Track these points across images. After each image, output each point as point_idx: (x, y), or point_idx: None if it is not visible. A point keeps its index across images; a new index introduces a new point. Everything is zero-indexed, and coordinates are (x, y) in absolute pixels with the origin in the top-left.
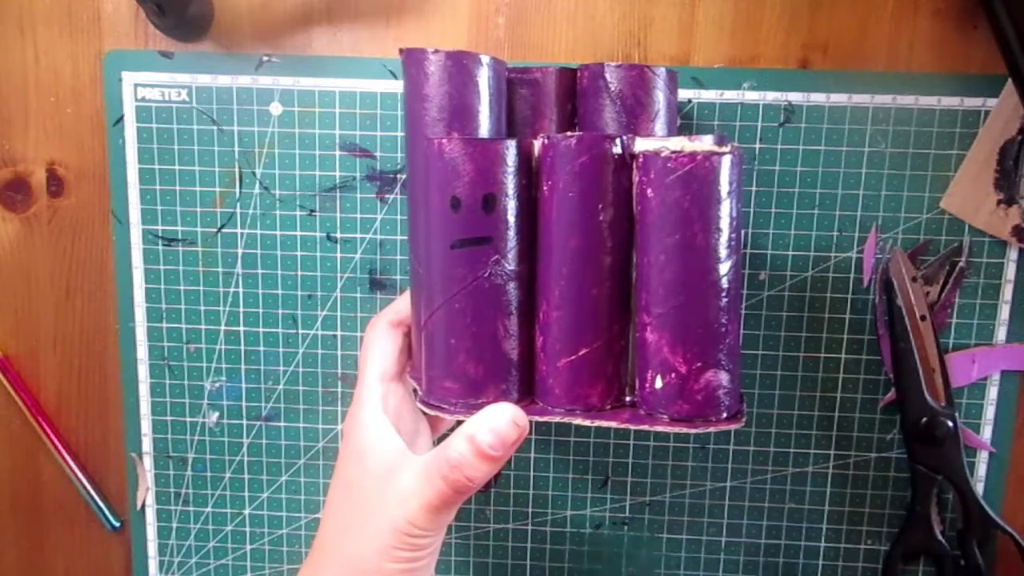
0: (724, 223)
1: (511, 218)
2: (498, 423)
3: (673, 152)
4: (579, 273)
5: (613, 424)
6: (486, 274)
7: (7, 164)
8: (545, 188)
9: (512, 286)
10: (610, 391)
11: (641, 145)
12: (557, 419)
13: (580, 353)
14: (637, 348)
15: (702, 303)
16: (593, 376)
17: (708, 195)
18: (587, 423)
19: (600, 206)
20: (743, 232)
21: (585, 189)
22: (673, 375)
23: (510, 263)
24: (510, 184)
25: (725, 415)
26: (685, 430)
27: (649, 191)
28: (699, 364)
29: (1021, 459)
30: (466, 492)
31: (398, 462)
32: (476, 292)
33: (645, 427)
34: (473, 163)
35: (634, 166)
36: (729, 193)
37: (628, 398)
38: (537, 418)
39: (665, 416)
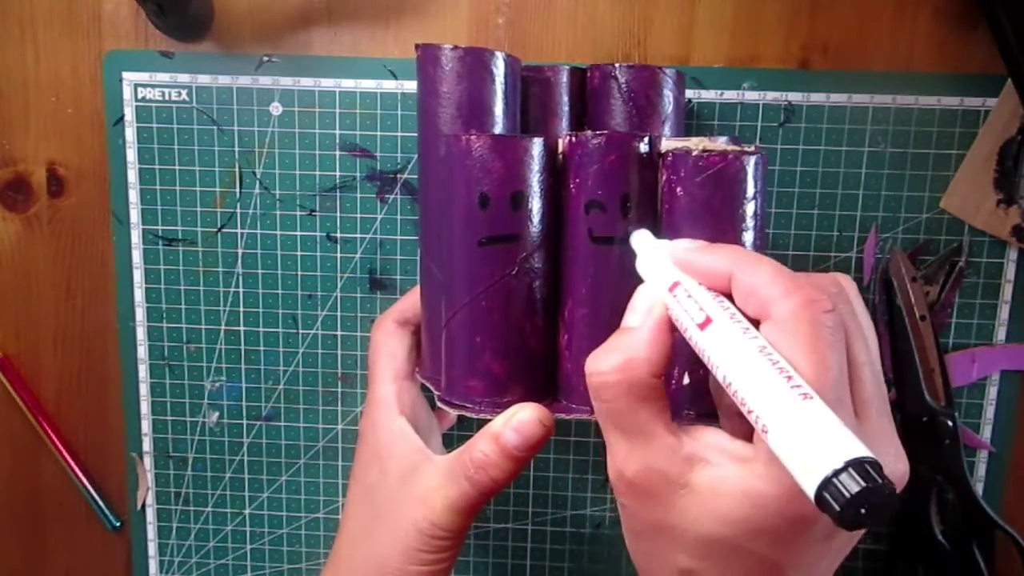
0: (750, 223)
1: (537, 215)
2: (524, 423)
3: (705, 151)
4: (606, 271)
5: None
6: (513, 272)
7: (7, 164)
8: (572, 186)
9: (538, 284)
10: None
11: (668, 144)
12: (582, 417)
13: None
14: None
15: None
16: None
17: (737, 194)
18: None
19: (629, 204)
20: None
21: (612, 187)
22: (702, 372)
23: (537, 261)
24: (537, 181)
25: None
26: (711, 426)
27: (679, 189)
28: None
29: (1021, 459)
30: (490, 493)
31: (419, 462)
32: (503, 290)
33: None
34: (502, 160)
35: (661, 164)
36: (756, 193)
37: None
38: (562, 416)
39: (692, 413)
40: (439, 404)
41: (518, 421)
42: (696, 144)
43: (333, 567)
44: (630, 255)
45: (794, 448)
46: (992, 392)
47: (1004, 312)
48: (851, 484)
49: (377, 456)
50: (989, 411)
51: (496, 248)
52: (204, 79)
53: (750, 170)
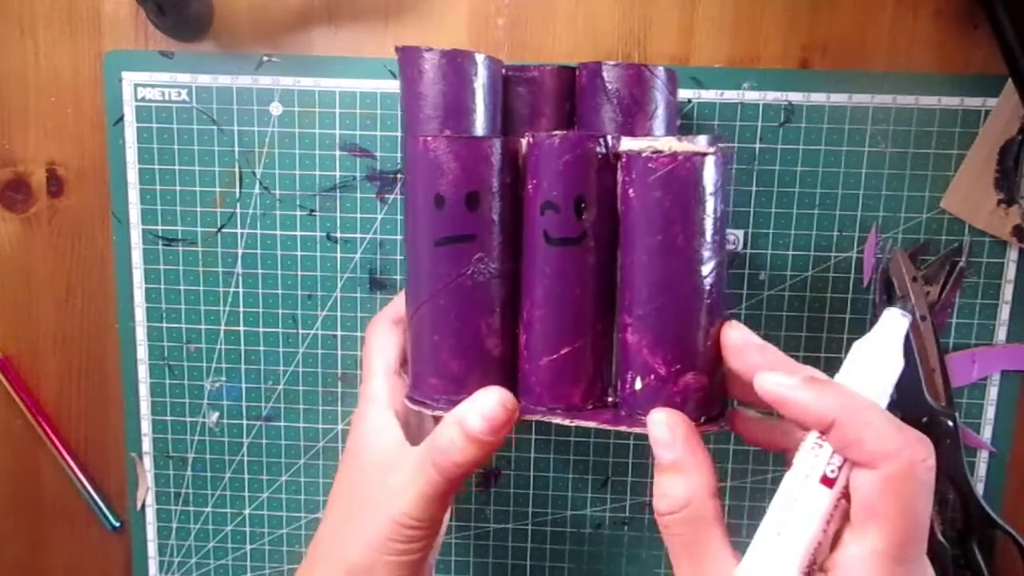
0: (706, 224)
1: (495, 216)
2: (487, 407)
3: (655, 152)
4: (562, 272)
5: (592, 424)
6: (469, 272)
7: (7, 164)
8: (530, 187)
9: (495, 284)
10: (592, 391)
11: (625, 145)
12: (538, 417)
13: (562, 352)
14: (619, 349)
15: (683, 305)
16: (575, 375)
17: (689, 196)
18: (567, 422)
19: (583, 205)
20: (727, 233)
21: (566, 188)
22: (652, 377)
23: (494, 261)
24: (495, 182)
25: (704, 418)
26: None
27: (631, 191)
28: (678, 367)
29: (1021, 459)
30: (457, 480)
31: (397, 455)
32: (459, 290)
33: (624, 428)
34: (457, 161)
35: (618, 166)
36: (712, 194)
37: (610, 398)
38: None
39: (644, 418)
40: (404, 400)
41: (481, 405)
42: (664, 144)
43: (312, 555)
44: (588, 256)
45: None
46: (992, 392)
47: (1004, 312)
48: None
49: (359, 448)
50: (989, 411)
51: (452, 248)
52: (204, 79)
53: (705, 171)
